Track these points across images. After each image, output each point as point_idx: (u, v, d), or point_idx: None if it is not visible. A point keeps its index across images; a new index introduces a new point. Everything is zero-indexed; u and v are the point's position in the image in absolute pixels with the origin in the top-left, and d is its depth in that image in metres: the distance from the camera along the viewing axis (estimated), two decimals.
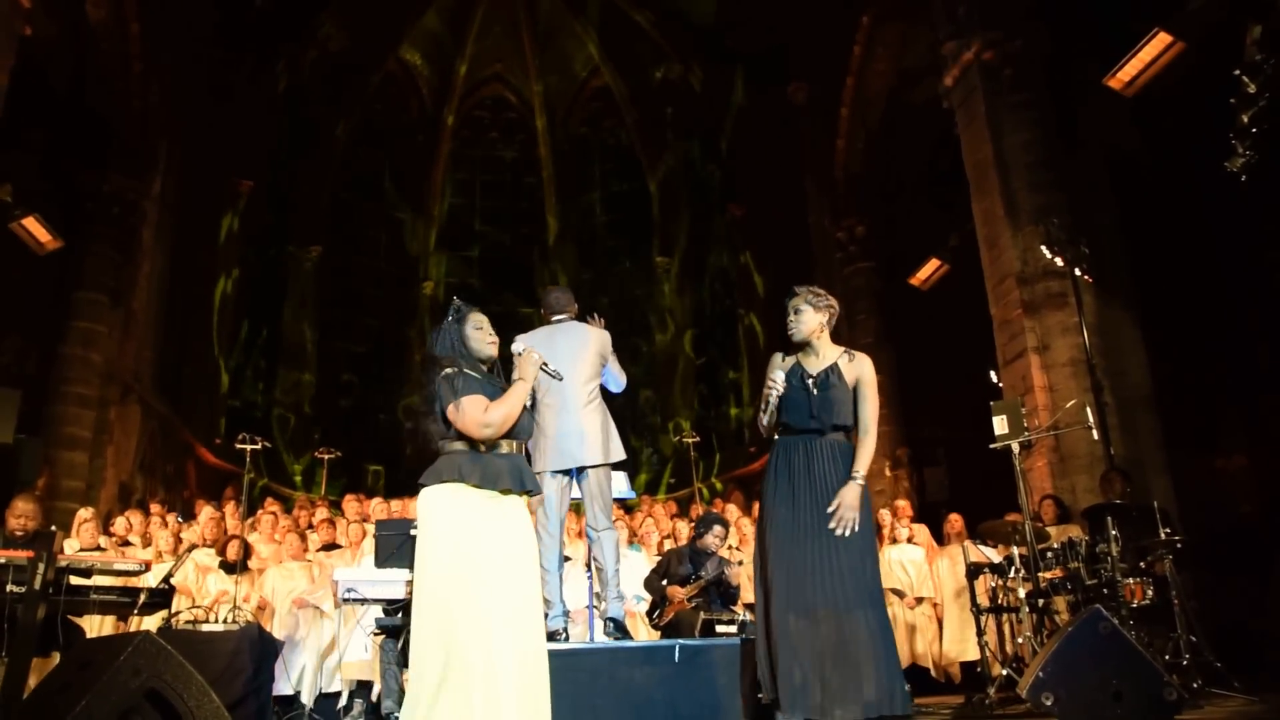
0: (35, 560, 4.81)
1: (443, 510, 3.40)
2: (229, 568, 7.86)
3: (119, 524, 8.73)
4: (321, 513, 9.75)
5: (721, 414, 17.78)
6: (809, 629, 3.67)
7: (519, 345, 3.68)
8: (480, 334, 3.62)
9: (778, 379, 3.99)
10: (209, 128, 14.38)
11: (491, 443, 3.48)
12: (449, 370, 3.50)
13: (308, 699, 7.38)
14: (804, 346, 4.11)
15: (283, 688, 7.29)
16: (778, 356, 4.16)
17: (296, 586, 7.84)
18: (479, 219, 20.49)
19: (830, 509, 3.80)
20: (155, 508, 9.91)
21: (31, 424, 9.59)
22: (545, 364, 3.65)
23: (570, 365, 5.03)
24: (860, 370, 4.00)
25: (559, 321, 5.38)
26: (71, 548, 7.79)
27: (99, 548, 7.83)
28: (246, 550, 7.98)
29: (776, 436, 4.09)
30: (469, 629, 3.21)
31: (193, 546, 7.87)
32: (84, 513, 8.50)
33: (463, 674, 3.15)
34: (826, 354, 4.05)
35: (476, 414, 3.42)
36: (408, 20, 18.83)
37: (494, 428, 3.43)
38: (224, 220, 15.64)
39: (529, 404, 3.62)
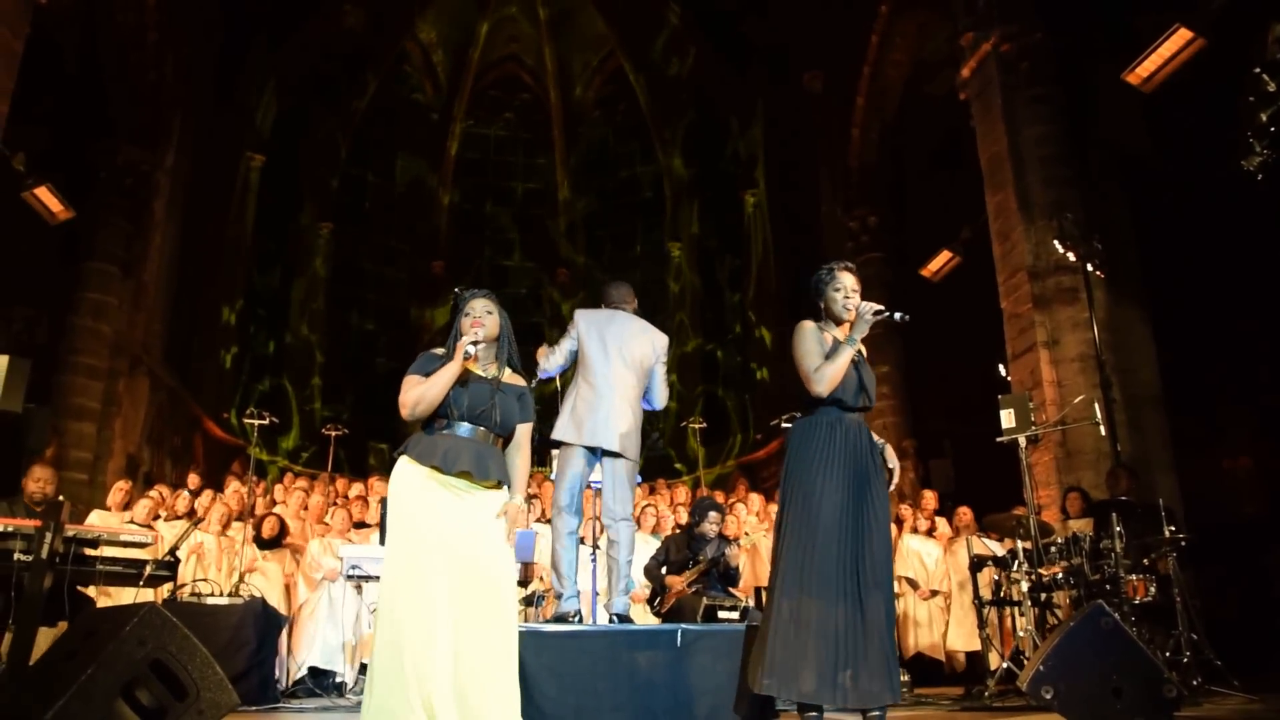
0: (43, 529, 4.84)
1: (393, 482, 3.56)
2: (263, 543, 7.92)
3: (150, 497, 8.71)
4: (356, 489, 9.74)
5: (731, 401, 17.78)
6: (830, 612, 3.51)
7: (470, 337, 3.58)
8: (464, 321, 3.68)
9: (860, 305, 3.73)
10: (222, 101, 14.38)
11: (426, 420, 3.58)
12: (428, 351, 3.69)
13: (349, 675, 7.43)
14: (840, 323, 3.83)
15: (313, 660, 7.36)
16: (811, 325, 3.81)
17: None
18: (490, 200, 20.48)
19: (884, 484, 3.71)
20: (193, 479, 9.97)
21: (40, 394, 9.62)
22: (472, 345, 3.59)
23: (617, 352, 5.06)
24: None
25: (618, 309, 5.33)
26: (111, 520, 7.73)
27: (150, 524, 7.72)
28: (283, 527, 8.05)
29: (819, 411, 3.77)
30: (389, 604, 3.34)
31: (198, 520, 7.90)
32: (123, 484, 8.42)
33: (392, 642, 3.28)
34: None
35: (402, 393, 3.57)
36: None
37: (407, 408, 3.55)
38: (236, 196, 15.65)
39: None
